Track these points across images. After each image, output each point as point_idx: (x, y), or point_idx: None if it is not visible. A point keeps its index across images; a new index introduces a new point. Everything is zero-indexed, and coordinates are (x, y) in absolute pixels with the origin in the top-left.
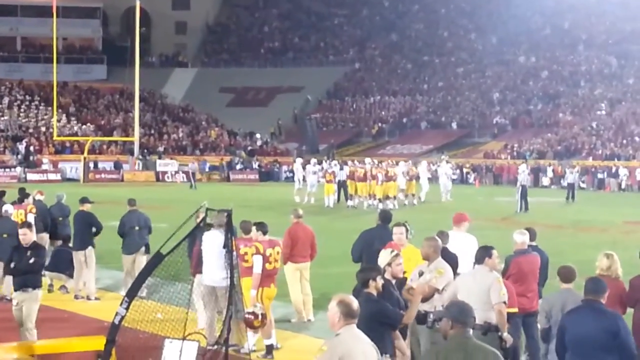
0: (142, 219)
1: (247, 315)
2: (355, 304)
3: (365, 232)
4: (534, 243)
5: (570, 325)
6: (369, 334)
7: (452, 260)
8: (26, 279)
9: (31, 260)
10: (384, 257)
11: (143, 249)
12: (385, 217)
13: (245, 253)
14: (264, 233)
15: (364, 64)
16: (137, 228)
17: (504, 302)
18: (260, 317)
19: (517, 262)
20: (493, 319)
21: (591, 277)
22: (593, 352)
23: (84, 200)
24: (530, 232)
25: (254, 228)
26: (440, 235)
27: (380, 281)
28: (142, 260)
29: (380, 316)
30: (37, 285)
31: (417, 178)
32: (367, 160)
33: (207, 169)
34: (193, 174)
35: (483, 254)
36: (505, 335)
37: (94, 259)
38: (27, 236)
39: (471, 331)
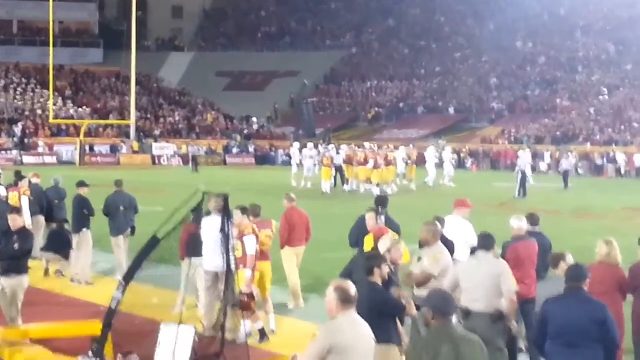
0: (127, 199)
1: (242, 297)
2: (352, 289)
3: (362, 217)
4: (537, 229)
5: (553, 314)
6: (374, 323)
7: (448, 246)
8: (10, 265)
9: (15, 246)
10: (384, 243)
11: (129, 230)
12: (382, 202)
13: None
14: (256, 216)
15: (361, 48)
16: (122, 209)
17: (516, 292)
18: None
19: (514, 247)
20: (502, 306)
21: (572, 264)
22: (578, 341)
23: (80, 184)
24: (533, 218)
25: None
26: (438, 221)
27: (385, 269)
28: (125, 243)
29: (384, 306)
30: (22, 271)
31: (416, 163)
32: (367, 144)
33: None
34: (194, 157)
35: (489, 241)
36: (513, 323)
37: (89, 243)
38: (17, 222)
39: (454, 320)
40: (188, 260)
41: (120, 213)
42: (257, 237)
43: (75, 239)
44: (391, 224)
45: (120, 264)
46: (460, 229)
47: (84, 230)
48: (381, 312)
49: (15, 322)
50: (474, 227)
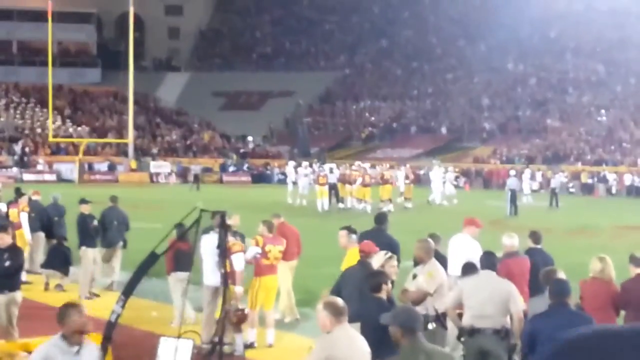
0: (120, 215)
1: (239, 312)
2: (340, 302)
3: (362, 234)
4: (539, 246)
5: (539, 329)
6: (382, 339)
7: (442, 262)
8: (3, 282)
9: (7, 263)
10: (377, 259)
11: (121, 243)
12: (381, 219)
13: (269, 250)
14: (269, 231)
15: (354, 69)
16: (115, 223)
17: (523, 310)
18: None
19: (506, 264)
20: (508, 323)
21: (555, 279)
22: None
23: (81, 201)
24: (535, 236)
25: (260, 224)
26: (431, 238)
27: (389, 285)
28: (119, 254)
29: None
30: (14, 287)
31: (413, 182)
32: (357, 163)
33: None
34: (196, 175)
35: (492, 259)
36: (518, 341)
37: (87, 260)
38: (4, 240)
39: (421, 335)
40: (175, 274)
41: (114, 227)
42: (263, 253)
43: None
44: (390, 242)
45: (92, 276)
46: (468, 248)
47: (82, 248)
48: None
49: (12, 337)
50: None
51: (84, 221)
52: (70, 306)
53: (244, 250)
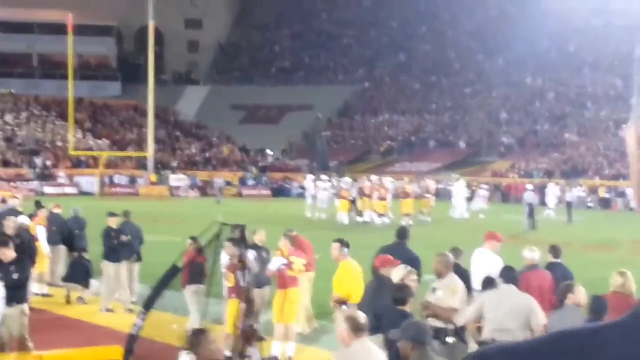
0: (134, 229)
1: (248, 328)
2: (363, 317)
3: (383, 248)
4: (559, 260)
5: None
6: None
7: (463, 276)
8: (12, 294)
9: (15, 276)
10: (397, 273)
11: (135, 256)
12: (403, 233)
13: (294, 262)
14: (292, 245)
15: (373, 83)
16: (129, 237)
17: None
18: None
19: (526, 277)
20: (527, 337)
21: (594, 296)
22: None
23: (110, 215)
24: (555, 250)
25: (283, 237)
26: (453, 252)
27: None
28: (134, 267)
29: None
30: (23, 299)
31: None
32: (374, 177)
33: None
34: (220, 189)
35: (512, 274)
36: None
37: (107, 274)
38: (7, 254)
39: (430, 349)
40: (191, 287)
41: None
42: (288, 263)
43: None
44: (411, 256)
45: (114, 289)
46: (490, 262)
47: (104, 261)
48: None
49: (28, 349)
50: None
51: (108, 234)
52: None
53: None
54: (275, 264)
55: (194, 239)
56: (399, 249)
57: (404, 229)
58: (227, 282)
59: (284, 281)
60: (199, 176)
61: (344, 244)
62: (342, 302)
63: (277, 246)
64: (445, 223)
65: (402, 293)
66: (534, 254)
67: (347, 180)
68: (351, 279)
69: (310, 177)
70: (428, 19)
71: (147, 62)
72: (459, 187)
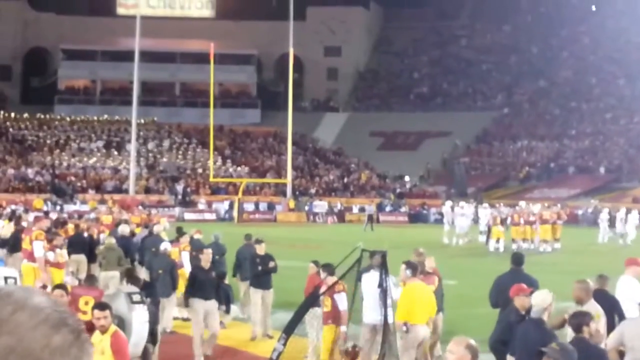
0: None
1: (351, 350)
2: (475, 345)
3: (499, 277)
4: None
5: None
6: None
7: (609, 303)
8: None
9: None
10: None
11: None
12: (518, 259)
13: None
14: (331, 274)
15: (512, 109)
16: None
17: None
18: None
19: None
20: None
21: None
22: None
23: (256, 241)
24: None
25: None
26: (599, 279)
27: (593, 326)
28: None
29: None
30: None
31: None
32: (522, 203)
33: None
34: (370, 215)
35: None
36: None
37: (253, 301)
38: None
39: None
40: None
41: (246, 264)
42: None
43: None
44: (530, 281)
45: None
46: (632, 289)
47: (251, 288)
48: None
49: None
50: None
51: (254, 261)
52: None
53: (345, 290)
54: (342, 302)
55: (315, 262)
56: (516, 275)
57: (519, 255)
58: (324, 307)
59: None
60: (337, 202)
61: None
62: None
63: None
64: (586, 249)
65: (578, 319)
66: None
67: (484, 206)
68: (413, 300)
69: (448, 203)
70: (569, 44)
71: (287, 90)
72: (602, 213)
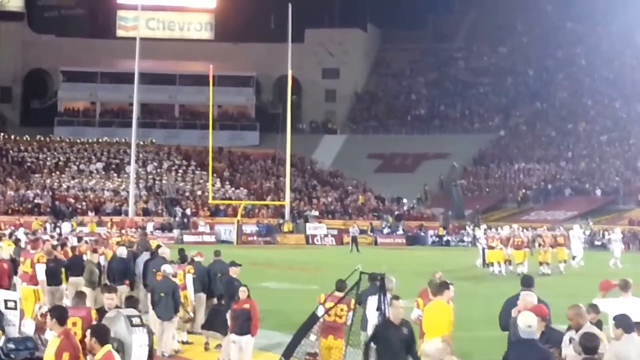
0: (225, 268)
1: None
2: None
3: (509, 300)
4: None
5: None
6: None
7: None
8: None
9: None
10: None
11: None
12: (528, 281)
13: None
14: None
15: (508, 131)
16: (219, 275)
17: None
18: None
19: None
20: None
21: None
22: None
23: (231, 264)
24: None
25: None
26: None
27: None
28: None
29: None
30: None
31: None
32: (515, 226)
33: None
34: (354, 237)
35: (629, 321)
36: None
37: None
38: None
39: None
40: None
41: (217, 279)
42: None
43: None
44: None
45: None
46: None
47: None
48: None
49: None
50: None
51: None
52: None
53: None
54: (413, 314)
55: (340, 281)
56: None
57: (529, 277)
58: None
59: (421, 331)
60: (334, 224)
61: (432, 286)
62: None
63: (415, 295)
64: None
65: (590, 343)
66: None
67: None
68: (435, 317)
69: (482, 227)
70: (565, 67)
71: (285, 112)
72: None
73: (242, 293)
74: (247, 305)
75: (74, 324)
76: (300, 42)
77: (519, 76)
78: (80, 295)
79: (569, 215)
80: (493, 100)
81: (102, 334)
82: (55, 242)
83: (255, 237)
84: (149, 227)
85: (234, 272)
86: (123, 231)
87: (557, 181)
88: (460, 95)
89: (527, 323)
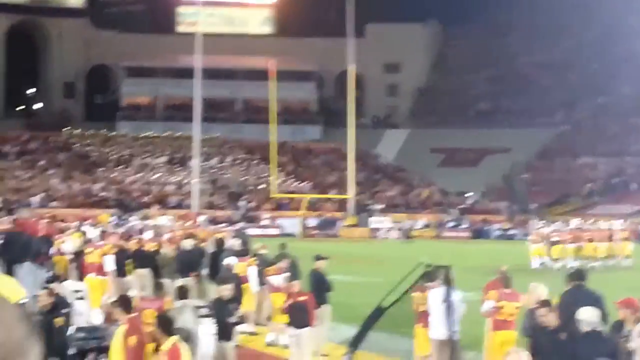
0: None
1: None
2: None
3: (563, 293)
4: None
5: None
6: None
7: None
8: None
9: (228, 314)
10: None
11: None
12: (580, 275)
13: (503, 306)
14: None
15: (572, 125)
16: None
17: None
18: None
19: None
20: None
21: None
22: None
23: (317, 258)
24: None
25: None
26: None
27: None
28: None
29: None
30: (230, 336)
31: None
32: (576, 220)
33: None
34: (405, 230)
35: None
36: None
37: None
38: (225, 293)
39: None
40: None
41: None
42: (495, 308)
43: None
44: (594, 296)
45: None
46: None
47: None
48: None
49: None
50: None
51: (318, 278)
52: None
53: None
54: (485, 306)
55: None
56: (578, 291)
57: (580, 271)
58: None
59: (495, 323)
60: (398, 218)
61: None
62: None
63: (481, 288)
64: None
65: None
66: None
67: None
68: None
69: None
70: (629, 60)
71: (347, 106)
72: None
73: (296, 286)
74: (303, 298)
75: (148, 315)
76: (362, 36)
77: (582, 70)
78: (159, 286)
79: (635, 209)
80: (556, 94)
81: (166, 324)
82: (121, 234)
83: (318, 231)
84: (202, 219)
85: (320, 265)
86: (188, 224)
87: (622, 175)
88: (523, 90)
89: (591, 316)
